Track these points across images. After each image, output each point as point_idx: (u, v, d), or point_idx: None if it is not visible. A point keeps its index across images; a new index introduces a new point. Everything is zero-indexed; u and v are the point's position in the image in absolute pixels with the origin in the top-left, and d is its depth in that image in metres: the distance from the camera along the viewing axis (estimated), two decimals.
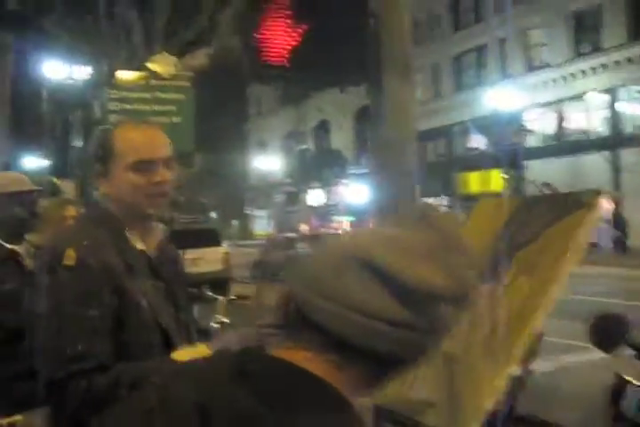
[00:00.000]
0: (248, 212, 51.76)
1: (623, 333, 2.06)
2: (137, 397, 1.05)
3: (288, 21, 8.99)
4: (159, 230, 2.20)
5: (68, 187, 22.59)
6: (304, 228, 35.90)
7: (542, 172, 27.39)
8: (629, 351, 2.11)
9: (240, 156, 49.00)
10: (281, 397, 0.93)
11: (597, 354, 2.16)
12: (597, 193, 2.59)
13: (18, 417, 2.80)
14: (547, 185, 22.52)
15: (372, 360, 0.96)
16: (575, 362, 7.50)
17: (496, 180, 30.31)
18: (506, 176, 28.41)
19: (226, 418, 0.91)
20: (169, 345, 1.98)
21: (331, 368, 0.96)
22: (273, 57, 8.56)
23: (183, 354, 1.86)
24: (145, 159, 2.02)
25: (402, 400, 2.58)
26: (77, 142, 26.25)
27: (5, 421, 2.77)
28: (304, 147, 45.53)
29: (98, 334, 1.87)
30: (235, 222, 51.14)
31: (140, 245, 2.09)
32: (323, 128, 44.33)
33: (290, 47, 8.65)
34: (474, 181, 33.22)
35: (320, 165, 38.71)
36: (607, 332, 2.09)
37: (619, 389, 1.82)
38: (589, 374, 6.35)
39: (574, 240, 2.45)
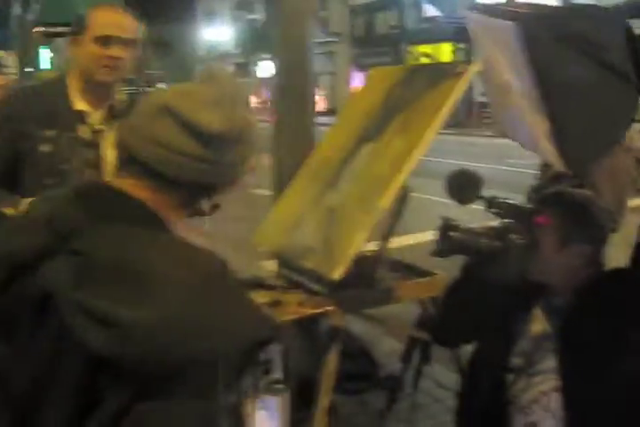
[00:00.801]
0: None
1: (476, 187, 2.30)
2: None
3: None
4: (115, 99, 2.55)
5: (9, 58, 22.07)
6: (254, 99, 35.77)
7: None
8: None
9: (188, 26, 47.60)
10: (104, 212, 1.20)
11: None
12: (468, 64, 2.84)
13: None
14: None
15: (182, 187, 1.24)
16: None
17: (446, 52, 30.23)
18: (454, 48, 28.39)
19: (62, 226, 1.18)
20: None
21: (150, 193, 1.23)
22: None
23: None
24: (107, 34, 2.41)
25: (290, 247, 2.91)
26: (17, 11, 25.29)
27: None
28: (254, 16, 44.40)
29: None
30: None
31: (80, 106, 2.48)
32: None
33: None
34: (424, 54, 33.02)
35: (270, 35, 37.83)
36: (462, 186, 2.32)
37: (443, 231, 2.09)
38: None
39: (444, 105, 2.72)
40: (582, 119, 1.62)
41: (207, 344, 1.09)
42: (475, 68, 2.77)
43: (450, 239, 1.99)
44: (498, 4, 1.77)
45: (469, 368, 2.26)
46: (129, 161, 1.25)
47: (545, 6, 1.68)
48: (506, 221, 2.07)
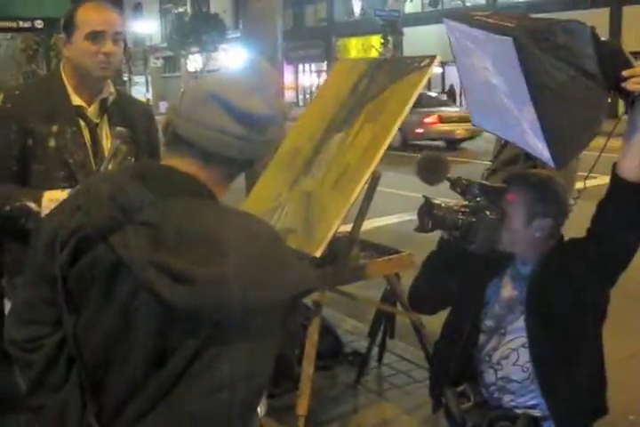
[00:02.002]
0: (125, 78, 50.33)
1: (444, 170, 2.51)
2: (69, 197, 1.54)
3: None
4: (109, 93, 2.66)
5: None
6: None
7: (419, 38, 27.81)
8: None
9: None
10: (162, 187, 1.38)
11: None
12: (433, 58, 3.08)
13: None
14: None
15: (225, 163, 1.43)
16: None
17: (375, 45, 30.62)
18: (382, 41, 28.77)
19: (126, 202, 1.35)
20: (76, 180, 2.49)
21: (198, 169, 1.42)
22: None
23: (52, 193, 2.40)
24: (98, 30, 2.52)
25: None
26: None
27: None
28: (181, 10, 44.10)
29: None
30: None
31: (76, 101, 2.59)
32: None
33: None
34: (354, 47, 33.43)
35: (198, 29, 37.65)
36: (431, 169, 2.53)
37: (425, 209, 2.30)
38: None
39: (409, 97, 2.96)
40: (566, 119, 1.88)
41: (264, 294, 1.30)
42: (436, 62, 3.02)
43: (432, 216, 2.20)
44: (477, 15, 1.99)
45: (444, 332, 2.50)
46: (176, 141, 1.43)
47: (530, 19, 1.92)
48: (477, 199, 2.30)
